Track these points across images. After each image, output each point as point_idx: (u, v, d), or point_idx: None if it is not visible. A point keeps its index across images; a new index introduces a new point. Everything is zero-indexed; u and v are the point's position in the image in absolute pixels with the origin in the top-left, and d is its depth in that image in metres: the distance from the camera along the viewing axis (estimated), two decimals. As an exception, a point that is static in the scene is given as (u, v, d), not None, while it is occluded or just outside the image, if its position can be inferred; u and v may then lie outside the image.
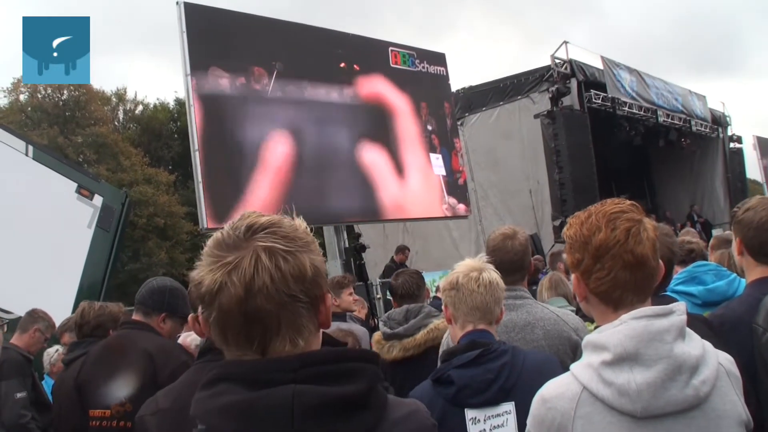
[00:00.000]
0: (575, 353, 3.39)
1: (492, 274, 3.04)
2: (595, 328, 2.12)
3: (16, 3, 52.15)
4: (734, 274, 4.33)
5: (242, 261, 1.44)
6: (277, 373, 1.43)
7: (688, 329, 2.01)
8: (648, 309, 1.98)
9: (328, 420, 1.41)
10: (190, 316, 2.72)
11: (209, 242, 1.53)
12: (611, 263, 2.03)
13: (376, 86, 14.36)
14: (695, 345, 1.98)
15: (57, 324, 6.32)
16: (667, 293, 4.34)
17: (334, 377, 1.46)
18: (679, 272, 4.51)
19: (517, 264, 3.69)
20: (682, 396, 1.88)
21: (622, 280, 2.02)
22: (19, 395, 5.37)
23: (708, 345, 2.03)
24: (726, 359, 2.07)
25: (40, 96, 37.41)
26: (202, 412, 1.46)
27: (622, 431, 1.88)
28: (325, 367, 1.47)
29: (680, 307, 2.01)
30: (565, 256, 9.00)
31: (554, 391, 2.02)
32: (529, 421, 2.07)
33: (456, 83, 16.38)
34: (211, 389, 1.46)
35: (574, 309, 4.99)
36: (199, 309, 1.56)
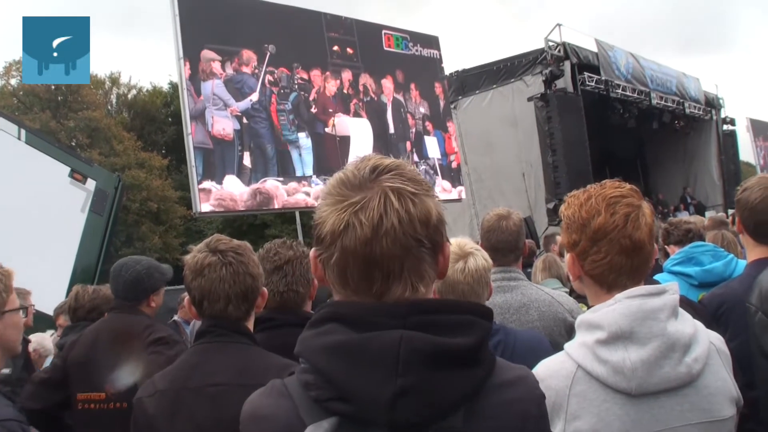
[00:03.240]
0: (570, 334, 3.40)
1: (478, 260, 2.95)
2: (588, 308, 2.13)
3: (15, 3, 51.79)
4: (731, 255, 4.34)
5: (370, 201, 1.38)
6: (385, 317, 1.38)
7: (680, 309, 2.02)
8: (642, 288, 1.99)
9: (435, 370, 1.35)
10: (186, 300, 2.71)
11: (331, 182, 1.47)
12: (608, 247, 2.03)
13: (368, 71, 14.38)
14: (687, 324, 2.00)
15: (51, 308, 6.32)
16: (664, 273, 4.38)
17: (444, 328, 1.39)
18: (676, 252, 4.52)
19: (512, 244, 3.69)
20: (675, 373, 1.90)
21: (618, 264, 2.03)
22: (4, 370, 5.34)
23: (699, 324, 2.05)
24: (716, 338, 2.10)
25: (29, 81, 37.23)
26: (307, 349, 1.44)
27: (616, 409, 1.90)
28: (437, 317, 1.41)
29: (673, 287, 2.03)
30: (558, 238, 9.01)
31: (548, 369, 2.02)
32: None
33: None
34: (318, 328, 1.43)
35: (568, 290, 5.01)
36: (313, 250, 1.50)
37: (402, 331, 1.36)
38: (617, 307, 1.95)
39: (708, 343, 2.02)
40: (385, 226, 1.37)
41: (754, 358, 2.30)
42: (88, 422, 3.79)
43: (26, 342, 5.94)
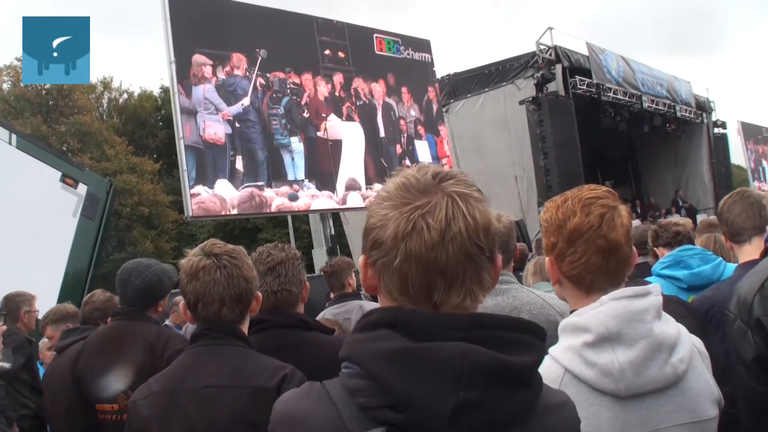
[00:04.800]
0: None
1: None
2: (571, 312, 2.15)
3: (15, 3, 51.73)
4: (720, 258, 4.36)
5: (437, 205, 1.36)
6: (445, 328, 1.35)
7: (662, 311, 2.05)
8: (627, 290, 2.01)
9: (495, 387, 1.32)
10: (181, 304, 2.71)
11: (389, 186, 1.44)
12: (584, 247, 2.06)
13: (360, 74, 14.41)
14: (671, 325, 2.03)
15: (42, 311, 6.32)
16: (652, 276, 4.41)
17: (504, 344, 1.36)
18: (665, 255, 4.54)
19: (502, 246, 3.69)
20: (661, 374, 1.93)
21: (594, 264, 2.06)
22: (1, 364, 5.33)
23: (681, 326, 2.08)
24: (697, 341, 2.13)
25: (23, 85, 37.10)
26: (358, 354, 1.38)
27: (605, 411, 1.92)
28: (496, 333, 1.37)
29: (656, 288, 2.05)
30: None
31: None
32: None
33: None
34: (371, 333, 1.38)
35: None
36: (362, 259, 1.48)
37: (464, 344, 1.32)
38: (603, 309, 1.97)
39: (691, 344, 2.05)
40: (452, 231, 1.35)
41: (733, 366, 2.32)
42: None
43: (29, 342, 5.95)
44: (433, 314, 1.38)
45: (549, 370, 1.98)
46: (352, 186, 13.42)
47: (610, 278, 2.07)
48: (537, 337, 1.44)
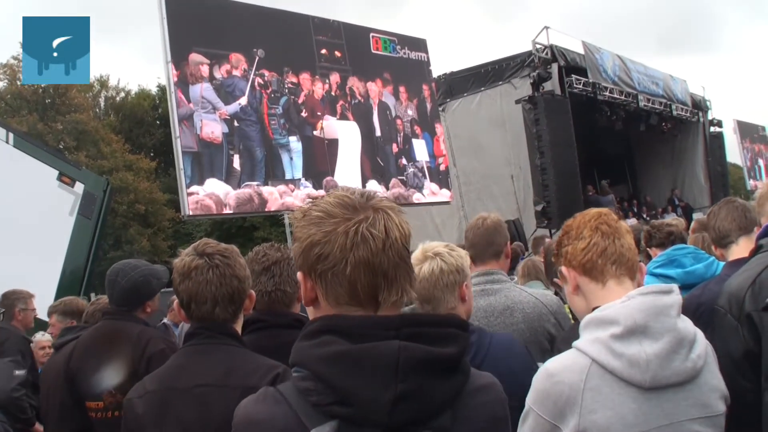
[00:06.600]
0: (553, 335, 3.45)
1: (435, 264, 2.83)
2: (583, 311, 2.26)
3: (13, 3, 51.59)
4: (712, 257, 4.39)
5: (375, 219, 1.57)
6: (380, 329, 1.54)
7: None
8: (654, 286, 2.13)
9: (428, 376, 1.52)
10: (175, 303, 2.74)
11: (325, 207, 1.61)
12: (590, 233, 2.24)
13: (357, 74, 14.41)
14: (689, 323, 2.14)
15: (39, 310, 6.37)
16: (646, 276, 4.43)
17: (432, 339, 1.56)
18: (658, 255, 4.57)
19: (487, 240, 3.73)
20: (683, 368, 2.02)
21: (602, 246, 2.21)
22: (18, 372, 5.41)
23: (697, 328, 2.17)
24: (708, 341, 2.21)
25: (19, 83, 37.01)
26: (305, 359, 1.56)
27: (630, 402, 1.99)
28: (425, 329, 1.57)
29: (676, 288, 2.16)
30: (547, 240, 9.03)
31: (561, 364, 2.11)
32: (530, 397, 2.13)
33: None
34: (315, 339, 1.55)
35: (553, 291, 5.04)
36: (301, 274, 1.66)
37: (399, 342, 1.52)
38: (631, 303, 2.07)
39: (706, 342, 2.15)
40: (391, 238, 1.57)
41: (722, 362, 2.36)
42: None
43: (28, 342, 5.98)
44: (368, 317, 1.58)
45: (576, 361, 2.08)
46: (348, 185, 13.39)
47: (620, 265, 2.22)
48: (460, 328, 1.65)
